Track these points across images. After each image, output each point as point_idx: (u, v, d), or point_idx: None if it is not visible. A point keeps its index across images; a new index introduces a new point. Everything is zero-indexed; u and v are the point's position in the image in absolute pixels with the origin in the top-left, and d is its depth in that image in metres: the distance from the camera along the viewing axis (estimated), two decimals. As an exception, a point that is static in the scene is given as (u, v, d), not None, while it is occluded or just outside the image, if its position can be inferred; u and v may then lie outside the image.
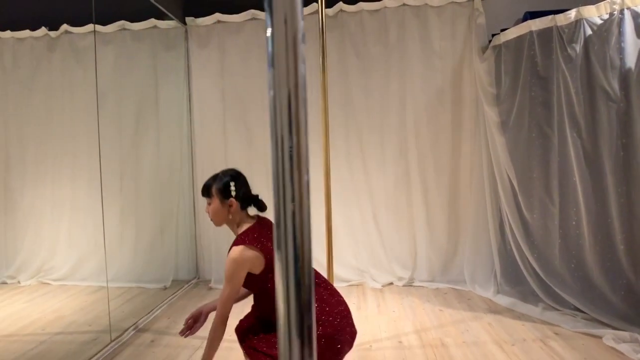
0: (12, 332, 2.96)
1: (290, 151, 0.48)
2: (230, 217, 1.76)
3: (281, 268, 0.49)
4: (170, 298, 3.59)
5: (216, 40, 3.87)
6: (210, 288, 3.86)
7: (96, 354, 2.59)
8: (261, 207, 1.83)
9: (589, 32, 2.78)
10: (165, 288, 3.79)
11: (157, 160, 3.98)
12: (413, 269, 3.81)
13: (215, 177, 1.80)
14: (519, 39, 3.18)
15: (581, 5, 2.84)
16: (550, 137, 3.06)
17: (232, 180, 1.76)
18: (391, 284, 3.79)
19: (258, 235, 1.70)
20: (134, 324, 3.03)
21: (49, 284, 3.90)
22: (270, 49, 0.47)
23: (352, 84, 3.79)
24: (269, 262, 1.68)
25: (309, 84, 3.87)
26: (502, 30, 3.39)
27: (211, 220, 1.82)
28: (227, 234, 3.99)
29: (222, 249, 3.98)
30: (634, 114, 2.62)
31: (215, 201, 1.76)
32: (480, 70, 3.51)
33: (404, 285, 3.75)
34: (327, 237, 2.66)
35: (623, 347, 2.46)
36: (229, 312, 1.68)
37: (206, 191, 1.79)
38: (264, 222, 1.80)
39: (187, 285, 3.92)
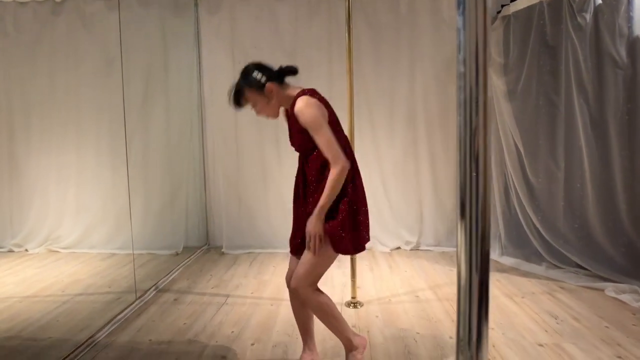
0: (31, 294, 2.98)
1: (472, 132, 0.55)
2: (279, 98, 1.73)
3: (465, 234, 0.55)
4: (184, 262, 3.64)
5: (227, 8, 3.85)
6: (223, 253, 3.93)
7: (123, 310, 2.65)
8: (293, 70, 1.78)
9: (599, 1, 2.89)
10: (177, 254, 3.84)
11: (166, 127, 3.97)
12: (420, 233, 3.95)
13: (237, 86, 1.74)
14: (529, 9, 3.27)
15: (591, -24, 2.94)
16: (557, 104, 3.19)
17: (255, 70, 1.72)
18: (399, 248, 3.93)
19: (311, 91, 1.71)
20: (154, 285, 3.09)
21: (57, 251, 3.90)
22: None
23: (362, 52, 3.84)
24: (331, 115, 1.70)
25: (327, 47, 3.89)
26: (512, 1, 3.48)
27: (268, 117, 1.78)
28: (237, 201, 4.05)
29: (233, 216, 4.04)
30: (639, 80, 2.76)
31: (257, 99, 1.72)
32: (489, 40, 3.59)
33: (411, 249, 3.90)
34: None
35: (624, 297, 2.65)
36: (342, 154, 1.61)
37: (241, 100, 1.73)
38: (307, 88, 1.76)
39: (198, 251, 3.98)
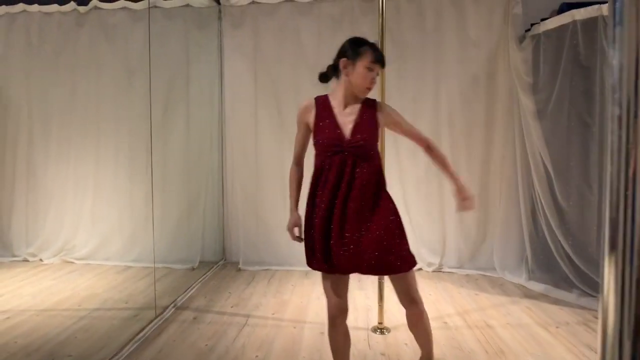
0: (48, 307, 2.91)
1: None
2: None
3: (616, 274, 0.46)
4: (202, 278, 3.56)
5: (250, 22, 3.83)
6: (239, 269, 3.84)
7: (143, 329, 2.57)
8: None
9: (636, 22, 2.82)
10: (193, 269, 3.77)
11: (186, 140, 3.93)
12: (442, 255, 3.85)
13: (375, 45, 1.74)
14: (561, 28, 3.21)
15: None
16: (590, 126, 3.10)
17: None
18: (420, 269, 3.81)
19: None
20: (173, 302, 3.01)
21: (72, 262, 3.85)
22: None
23: (387, 70, 3.77)
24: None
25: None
26: (542, 20, 3.42)
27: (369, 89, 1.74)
28: (255, 216, 3.97)
29: (250, 232, 3.96)
30: (679, 104, 2.67)
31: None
32: (518, 59, 3.54)
33: (433, 271, 3.79)
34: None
35: (665, 330, 2.52)
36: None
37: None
38: None
39: (215, 267, 3.89)
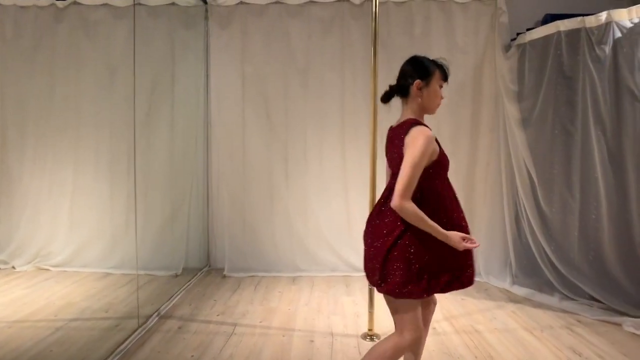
0: (21, 317, 2.77)
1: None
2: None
3: None
4: (186, 285, 3.47)
5: (238, 22, 3.76)
6: (225, 276, 3.76)
7: (125, 339, 2.47)
8: None
9: (618, 34, 2.90)
10: (176, 275, 3.67)
11: (170, 142, 3.83)
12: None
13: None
14: (546, 38, 3.28)
15: (610, 9, 2.96)
16: (573, 134, 3.18)
17: None
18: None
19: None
20: (157, 311, 2.91)
21: (47, 269, 3.69)
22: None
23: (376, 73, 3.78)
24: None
25: (340, 67, 3.83)
26: (528, 29, 3.49)
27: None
28: (241, 222, 3.91)
29: (236, 237, 3.89)
30: (658, 115, 2.77)
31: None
32: (504, 67, 3.60)
33: (419, 276, 3.80)
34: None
35: (644, 334, 2.60)
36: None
37: None
38: None
39: (199, 273, 3.81)
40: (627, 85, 2.88)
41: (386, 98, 1.75)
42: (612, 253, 2.99)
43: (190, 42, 3.76)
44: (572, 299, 3.13)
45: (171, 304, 3.11)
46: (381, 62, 3.80)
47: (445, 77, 1.71)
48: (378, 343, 1.72)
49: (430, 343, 2.50)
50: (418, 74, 1.67)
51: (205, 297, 3.26)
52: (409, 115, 1.69)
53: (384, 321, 2.80)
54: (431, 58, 1.73)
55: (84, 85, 3.77)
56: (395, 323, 1.65)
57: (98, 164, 3.78)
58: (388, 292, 1.59)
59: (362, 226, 4.08)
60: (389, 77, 3.74)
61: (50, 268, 3.70)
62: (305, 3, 3.75)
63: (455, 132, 3.82)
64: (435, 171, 1.60)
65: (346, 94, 3.80)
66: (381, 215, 1.64)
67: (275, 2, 3.74)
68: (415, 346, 1.71)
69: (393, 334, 1.65)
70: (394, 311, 1.64)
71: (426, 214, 1.52)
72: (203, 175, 3.96)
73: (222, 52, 3.78)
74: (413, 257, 1.54)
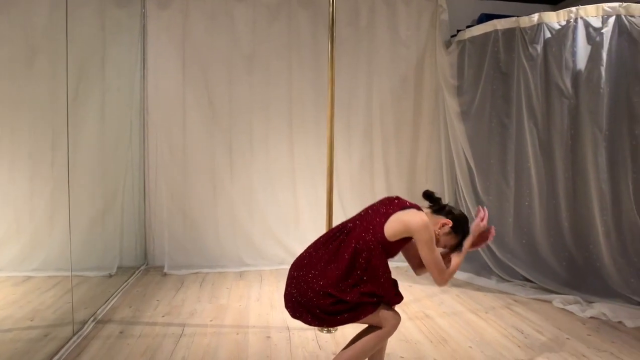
0: None
1: None
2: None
3: None
4: (123, 286, 3.19)
5: (179, 3, 3.51)
6: (165, 274, 3.52)
7: (58, 350, 2.20)
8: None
9: (548, 35, 3.15)
10: (110, 276, 3.35)
11: (100, 132, 3.48)
12: (374, 249, 3.94)
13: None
14: (485, 36, 3.46)
15: (541, 12, 3.20)
16: (508, 127, 3.40)
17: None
18: (354, 264, 3.86)
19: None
20: (92, 315, 2.64)
21: (-49, 276, 3.18)
22: None
23: (323, 63, 3.75)
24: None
25: (287, 55, 3.74)
26: (468, 27, 3.66)
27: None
28: (182, 216, 3.69)
29: (177, 232, 3.67)
30: (581, 109, 3.05)
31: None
32: (444, 63, 3.75)
33: (366, 266, 3.86)
34: (327, 212, 2.61)
35: (571, 308, 2.87)
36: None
37: None
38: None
39: (137, 272, 3.52)
40: (555, 82, 3.13)
41: (430, 200, 1.84)
42: (543, 237, 3.25)
43: (123, 21, 3.43)
44: (508, 281, 3.37)
45: (108, 306, 2.84)
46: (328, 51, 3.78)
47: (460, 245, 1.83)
48: (359, 337, 1.73)
49: (386, 330, 2.53)
50: (455, 224, 1.76)
51: (147, 298, 3.02)
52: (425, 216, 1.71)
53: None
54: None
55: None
56: (372, 326, 1.70)
57: (15, 155, 3.32)
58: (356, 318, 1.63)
59: (310, 218, 4.03)
60: (336, 67, 3.74)
61: (-45, 274, 3.19)
62: (251, -13, 3.61)
63: (397, 123, 3.91)
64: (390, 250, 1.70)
65: (294, 83, 3.72)
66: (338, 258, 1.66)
67: (220, -15, 3.55)
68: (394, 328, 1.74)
69: (374, 330, 1.67)
70: (366, 322, 1.70)
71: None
72: (139, 167, 3.66)
73: (161, 34, 3.51)
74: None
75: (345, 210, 3.86)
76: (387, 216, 1.67)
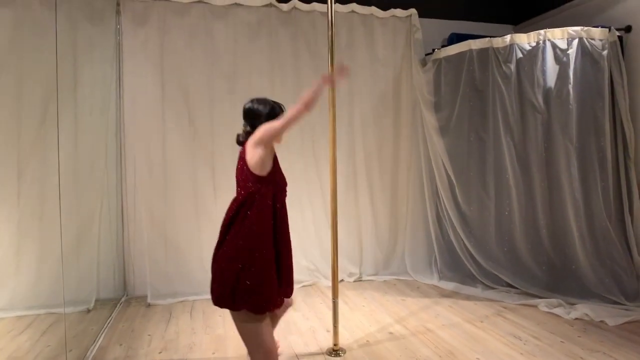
0: None
1: None
2: None
3: None
4: (107, 322, 2.96)
5: (156, 20, 3.37)
6: (149, 305, 3.31)
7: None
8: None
9: (520, 55, 3.37)
10: (88, 311, 3.11)
11: (73, 155, 3.24)
12: (360, 264, 3.97)
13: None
14: (460, 55, 3.64)
15: (512, 33, 3.43)
16: (486, 140, 3.58)
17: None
18: (342, 280, 3.86)
19: None
20: (82, 359, 2.42)
21: None
22: None
23: (304, 82, 3.76)
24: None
25: (269, 73, 3.71)
26: (443, 46, 3.83)
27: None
28: (163, 242, 3.51)
29: (158, 259, 3.49)
30: (553, 123, 3.29)
31: None
32: (421, 80, 3.89)
33: (354, 281, 3.87)
34: (332, 234, 2.59)
35: (556, 311, 3.04)
36: None
37: None
38: None
39: (118, 305, 3.28)
40: (528, 99, 3.35)
41: None
42: (523, 243, 3.44)
43: (97, 38, 3.24)
44: (492, 288, 3.52)
45: (96, 346, 2.61)
46: (309, 70, 3.80)
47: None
48: None
49: (394, 349, 2.55)
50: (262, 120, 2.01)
51: (136, 333, 2.82)
52: None
53: (345, 334, 2.78)
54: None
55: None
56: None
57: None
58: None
59: (299, 239, 3.99)
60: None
61: None
62: (230, 5, 3.54)
63: (379, 139, 3.99)
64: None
65: (276, 100, 3.68)
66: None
67: (199, 1, 3.46)
68: None
69: None
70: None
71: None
72: (116, 190, 3.44)
73: (137, 52, 3.35)
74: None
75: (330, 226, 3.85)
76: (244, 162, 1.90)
